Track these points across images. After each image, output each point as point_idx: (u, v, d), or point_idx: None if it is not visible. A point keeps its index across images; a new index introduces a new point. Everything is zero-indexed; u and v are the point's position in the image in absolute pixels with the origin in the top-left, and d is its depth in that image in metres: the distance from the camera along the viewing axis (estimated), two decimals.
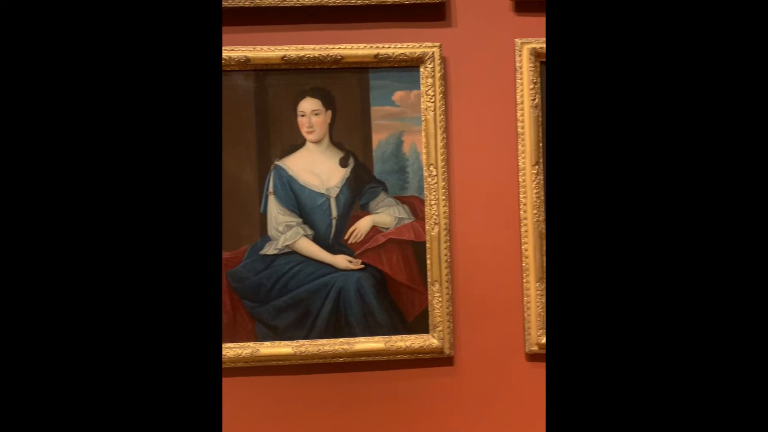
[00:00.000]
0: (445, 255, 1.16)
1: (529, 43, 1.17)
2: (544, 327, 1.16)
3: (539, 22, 1.20)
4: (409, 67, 1.17)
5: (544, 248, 1.17)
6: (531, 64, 1.17)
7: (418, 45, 1.16)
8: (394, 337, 1.17)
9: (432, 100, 1.16)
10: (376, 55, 1.15)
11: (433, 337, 1.17)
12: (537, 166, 1.17)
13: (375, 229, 1.17)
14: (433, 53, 1.16)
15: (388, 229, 1.17)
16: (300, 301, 1.16)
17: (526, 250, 1.17)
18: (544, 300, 1.16)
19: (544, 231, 1.17)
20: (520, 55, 1.18)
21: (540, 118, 1.18)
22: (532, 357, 1.18)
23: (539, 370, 1.18)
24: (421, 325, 1.17)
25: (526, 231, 1.17)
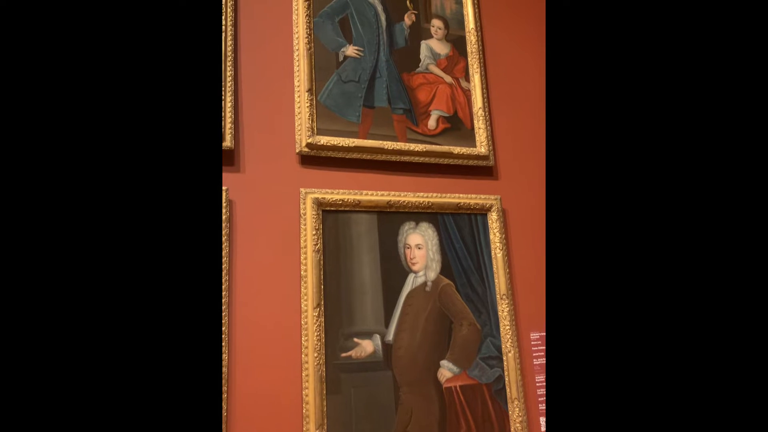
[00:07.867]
0: (222, 407, 1.08)
1: (312, 193, 1.27)
2: None
3: (322, 174, 1.32)
4: None
5: (324, 392, 1.16)
6: (314, 212, 1.26)
7: None
8: None
9: None
10: None
11: None
12: (318, 308, 1.20)
13: None
14: None
15: None
16: None
17: (307, 395, 1.14)
18: None
19: (324, 374, 1.17)
20: (304, 204, 1.26)
21: (321, 262, 1.24)
22: None
23: None
24: None
25: (307, 375, 1.15)
